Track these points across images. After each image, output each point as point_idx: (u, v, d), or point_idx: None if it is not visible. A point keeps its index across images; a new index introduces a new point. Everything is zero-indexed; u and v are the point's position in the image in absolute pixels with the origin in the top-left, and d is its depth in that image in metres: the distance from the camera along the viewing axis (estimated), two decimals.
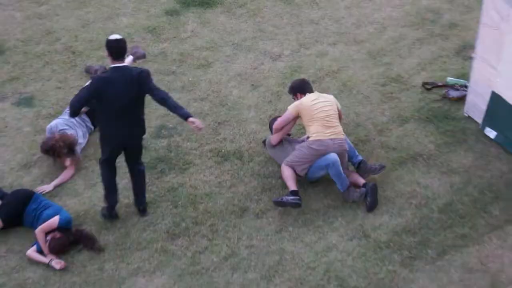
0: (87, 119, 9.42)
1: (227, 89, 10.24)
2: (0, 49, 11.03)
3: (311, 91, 8.75)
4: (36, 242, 8.06)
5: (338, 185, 8.36)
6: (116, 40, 7.69)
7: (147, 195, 8.57)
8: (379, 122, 9.55)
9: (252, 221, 8.33)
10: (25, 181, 8.86)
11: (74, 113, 7.83)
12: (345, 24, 11.49)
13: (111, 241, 8.17)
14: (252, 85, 10.30)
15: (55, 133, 8.99)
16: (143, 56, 10.36)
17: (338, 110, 8.64)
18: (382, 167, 8.58)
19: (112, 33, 11.08)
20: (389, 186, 8.63)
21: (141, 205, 8.41)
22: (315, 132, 8.39)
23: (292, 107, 8.59)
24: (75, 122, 9.24)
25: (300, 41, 11.15)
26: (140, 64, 10.14)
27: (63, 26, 11.54)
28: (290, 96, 8.97)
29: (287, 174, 8.45)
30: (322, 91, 9.89)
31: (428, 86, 10.03)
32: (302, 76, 10.28)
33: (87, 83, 8.50)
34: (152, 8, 11.96)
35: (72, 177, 8.95)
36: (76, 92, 9.90)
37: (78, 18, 11.72)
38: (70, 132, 9.10)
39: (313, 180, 8.61)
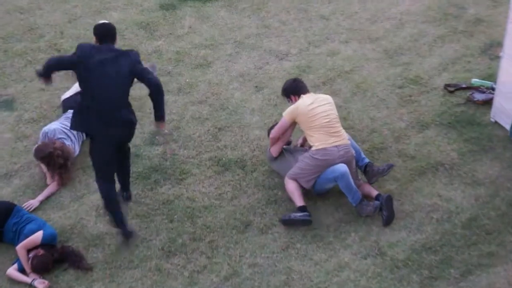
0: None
1: (228, 91, 10.30)
2: None
3: (305, 92, 8.70)
4: (17, 259, 8.10)
5: (349, 199, 8.41)
6: (103, 23, 7.94)
7: (139, 208, 8.63)
8: (396, 128, 9.60)
9: (256, 237, 8.37)
10: (5, 193, 8.92)
11: (46, 68, 7.88)
12: (359, 20, 11.55)
13: (100, 259, 8.21)
14: (256, 87, 10.36)
15: (53, 140, 9.05)
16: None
17: None
18: (390, 167, 8.61)
19: None
20: (407, 198, 8.67)
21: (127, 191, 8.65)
22: (317, 141, 8.42)
23: (288, 114, 8.58)
24: (74, 134, 9.28)
25: (309, 38, 11.21)
26: None
27: (47, 21, 11.63)
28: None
29: (292, 188, 8.50)
30: (333, 93, 9.97)
31: (451, 89, 10.08)
32: (311, 77, 10.35)
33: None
34: (145, 1, 12.04)
35: (58, 189, 9.01)
36: (61, 94, 10.04)
37: (64, 12, 11.80)
38: (67, 143, 9.15)
39: (320, 193, 8.66)
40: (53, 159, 8.86)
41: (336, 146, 8.38)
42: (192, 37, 11.29)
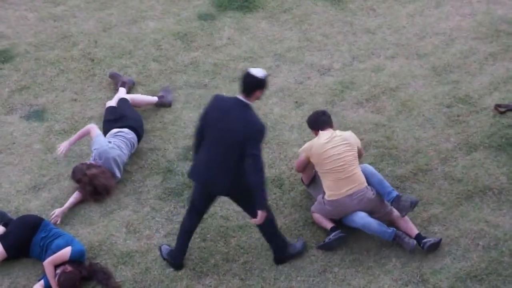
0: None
1: (267, 106, 10.37)
2: (9, 54, 11.32)
3: (325, 127, 8.63)
4: (43, 275, 8.24)
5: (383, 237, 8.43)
6: (247, 73, 7.73)
7: (171, 226, 8.74)
8: (443, 149, 9.61)
9: (292, 259, 8.43)
10: (33, 206, 9.08)
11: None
12: (406, 35, 11.57)
13: (129, 277, 8.32)
14: (296, 102, 10.42)
15: (101, 165, 9.16)
16: (169, 105, 10.43)
17: (358, 149, 8.63)
18: (414, 203, 8.31)
19: (136, 38, 11.47)
20: (452, 223, 8.67)
21: None
22: (329, 190, 8.46)
23: (303, 151, 8.67)
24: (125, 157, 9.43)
25: (353, 53, 11.25)
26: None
27: (81, 29, 11.80)
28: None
29: (317, 218, 8.66)
30: (377, 111, 10.01)
31: (502, 109, 10.06)
32: (354, 93, 10.39)
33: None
34: (183, 11, 12.16)
35: (82, 198, 9.17)
36: (93, 105, 10.21)
37: (99, 21, 11.96)
38: (117, 174, 9.28)
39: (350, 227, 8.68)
40: (83, 186, 9.04)
41: (349, 196, 8.38)
42: (230, 49, 11.39)
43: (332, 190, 8.43)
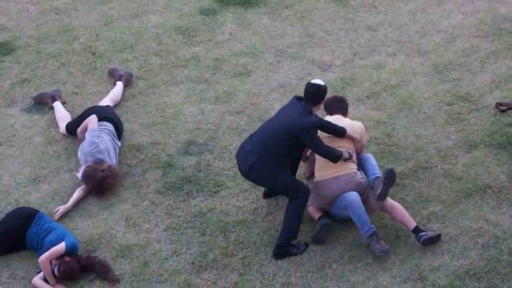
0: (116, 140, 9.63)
1: (268, 102, 10.39)
2: (11, 47, 11.34)
3: (334, 112, 8.81)
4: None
5: (360, 229, 8.36)
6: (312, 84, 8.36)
7: (170, 220, 8.76)
8: (443, 147, 9.63)
9: (291, 256, 8.46)
10: (33, 198, 9.11)
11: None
12: (408, 32, 11.58)
13: (127, 271, 8.35)
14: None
15: (103, 163, 9.15)
16: (131, 76, 10.64)
17: (359, 145, 8.69)
18: (388, 178, 8.34)
19: (137, 33, 11.49)
20: (452, 221, 8.69)
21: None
22: (317, 171, 8.57)
23: None
24: (116, 148, 9.50)
25: (355, 49, 11.27)
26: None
27: (83, 23, 11.81)
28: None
29: (310, 210, 8.71)
30: (378, 108, 10.03)
31: (503, 108, 10.07)
32: (355, 90, 10.41)
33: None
34: (185, 5, 12.17)
35: (86, 194, 9.20)
36: (94, 98, 10.24)
37: (100, 14, 11.98)
38: (114, 161, 9.33)
39: (340, 219, 8.67)
40: (104, 183, 9.05)
41: (335, 178, 8.42)
42: (232, 44, 11.40)
43: (319, 171, 8.51)
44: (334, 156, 8.30)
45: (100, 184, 9.01)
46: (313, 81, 8.38)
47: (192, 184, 9.25)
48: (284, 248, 8.38)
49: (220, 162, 9.50)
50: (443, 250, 8.37)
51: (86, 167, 9.07)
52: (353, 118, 9.90)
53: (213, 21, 11.84)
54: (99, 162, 9.09)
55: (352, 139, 8.61)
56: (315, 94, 8.28)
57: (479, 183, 9.11)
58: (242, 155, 8.36)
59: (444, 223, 8.66)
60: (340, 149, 8.39)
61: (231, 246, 8.55)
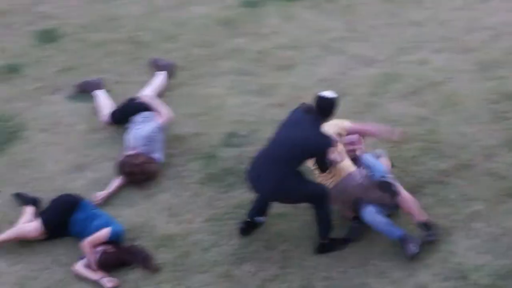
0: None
1: (310, 95, 10.31)
2: (56, 34, 11.45)
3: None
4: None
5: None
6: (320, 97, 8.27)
7: (211, 211, 8.79)
8: (487, 145, 9.56)
9: (334, 251, 8.45)
10: (77, 185, 9.18)
11: None
12: (453, 29, 11.52)
13: (169, 260, 8.39)
14: (339, 93, 10.40)
15: (140, 156, 9.20)
16: (173, 67, 10.63)
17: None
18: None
19: (181, 23, 11.55)
20: (495, 221, 8.62)
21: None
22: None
23: None
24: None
25: (399, 45, 11.23)
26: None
27: (128, 12, 11.89)
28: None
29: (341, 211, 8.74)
30: (421, 105, 10.00)
31: None
32: (398, 86, 10.37)
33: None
34: None
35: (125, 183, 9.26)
36: (137, 88, 10.29)
37: (145, 4, 12.05)
38: (157, 155, 9.35)
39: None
40: (133, 178, 9.12)
41: (332, 189, 8.37)
42: (275, 37, 11.42)
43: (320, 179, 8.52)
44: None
45: (128, 177, 9.11)
46: (324, 93, 8.22)
47: (233, 175, 9.27)
48: (327, 245, 8.38)
49: None
50: (486, 249, 8.30)
51: (121, 157, 9.18)
52: (396, 114, 9.92)
53: (257, 13, 11.88)
54: (138, 154, 9.16)
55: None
56: (325, 108, 8.19)
57: None
58: (259, 177, 8.08)
59: (487, 222, 8.59)
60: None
61: (272, 239, 8.56)
